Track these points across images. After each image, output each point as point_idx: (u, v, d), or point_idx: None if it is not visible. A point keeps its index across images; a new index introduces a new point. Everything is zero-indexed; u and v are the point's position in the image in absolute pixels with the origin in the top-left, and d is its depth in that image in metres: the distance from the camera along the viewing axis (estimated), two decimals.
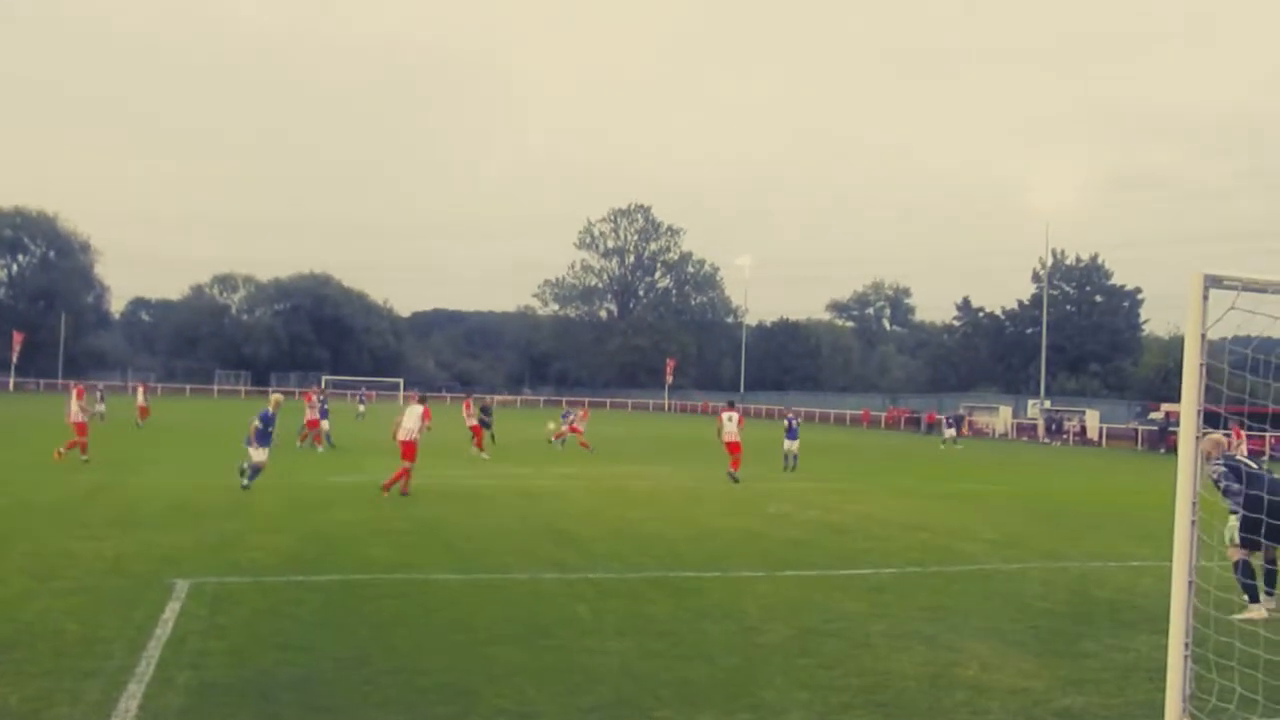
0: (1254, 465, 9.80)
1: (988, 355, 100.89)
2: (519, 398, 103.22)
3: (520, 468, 25.10)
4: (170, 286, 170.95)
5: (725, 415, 23.30)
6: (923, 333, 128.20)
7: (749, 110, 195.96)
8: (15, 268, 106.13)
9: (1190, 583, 6.32)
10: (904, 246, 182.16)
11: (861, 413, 79.84)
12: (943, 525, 16.54)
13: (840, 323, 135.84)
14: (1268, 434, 34.96)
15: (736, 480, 21.99)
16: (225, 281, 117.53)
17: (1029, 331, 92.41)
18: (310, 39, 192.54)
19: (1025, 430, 66.99)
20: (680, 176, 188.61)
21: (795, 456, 27.37)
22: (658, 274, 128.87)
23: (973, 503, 21.14)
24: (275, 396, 19.30)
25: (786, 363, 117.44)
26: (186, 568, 10.13)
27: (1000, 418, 69.87)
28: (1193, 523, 6.31)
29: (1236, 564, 9.52)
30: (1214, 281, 6.30)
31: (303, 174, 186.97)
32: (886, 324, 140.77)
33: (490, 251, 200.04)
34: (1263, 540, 9.02)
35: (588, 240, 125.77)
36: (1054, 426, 63.38)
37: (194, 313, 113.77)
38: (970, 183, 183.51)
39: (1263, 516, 8.33)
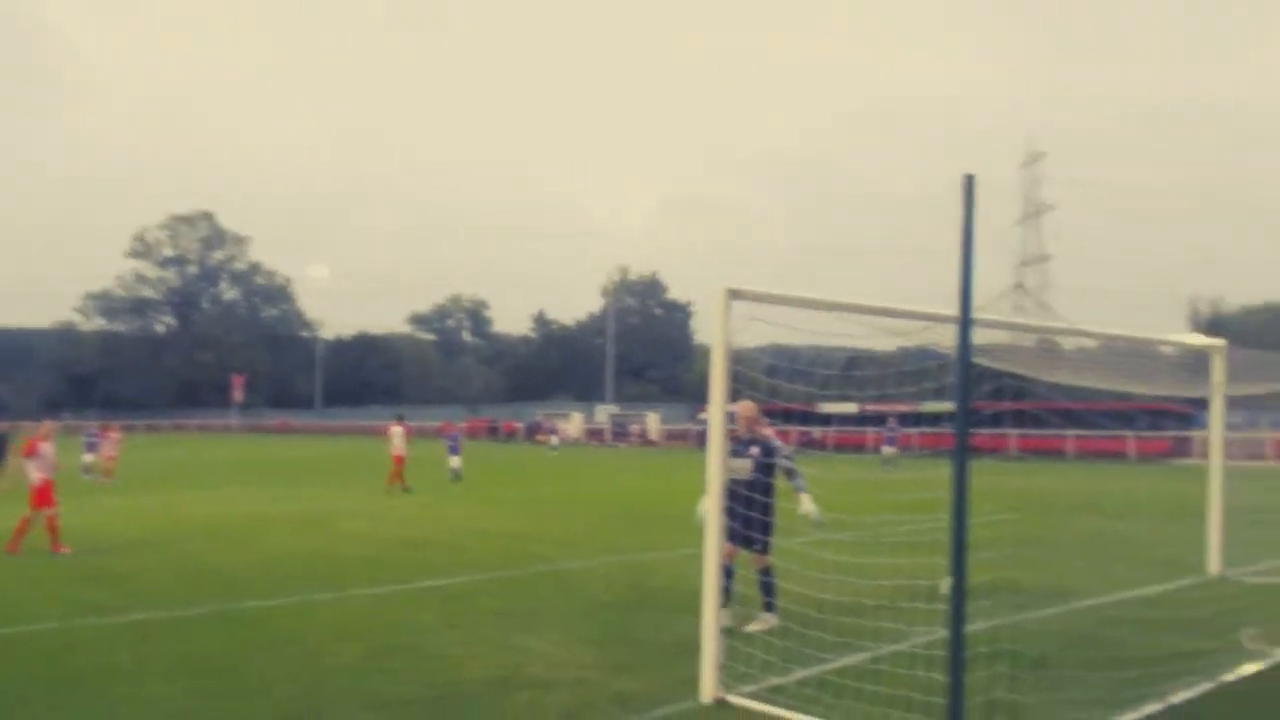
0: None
1: (561, 364, 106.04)
2: (60, 423, 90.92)
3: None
4: None
5: (394, 429, 25.64)
6: (501, 344, 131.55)
7: (327, 120, 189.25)
8: None
9: (724, 562, 7.04)
10: (482, 262, 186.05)
11: (440, 424, 79.81)
12: (516, 530, 17.05)
13: (420, 335, 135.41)
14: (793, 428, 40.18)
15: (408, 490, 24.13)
16: None
17: (598, 341, 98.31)
18: None
19: (595, 435, 71.15)
20: (248, 184, 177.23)
21: (458, 471, 29.03)
22: (223, 285, 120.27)
23: (545, 506, 22.01)
24: None
25: (366, 376, 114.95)
26: None
27: (573, 424, 73.60)
28: (720, 510, 7.04)
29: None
30: (736, 294, 7.10)
31: None
32: (466, 336, 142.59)
33: (21, 262, 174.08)
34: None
35: (141, 249, 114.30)
36: (621, 430, 68.00)
37: None
38: (546, 203, 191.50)
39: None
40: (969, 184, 4.56)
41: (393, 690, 7.10)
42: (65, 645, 8.61)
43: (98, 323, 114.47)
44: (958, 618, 4.65)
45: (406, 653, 8.23)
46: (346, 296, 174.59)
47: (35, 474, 14.32)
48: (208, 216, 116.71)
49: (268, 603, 10.43)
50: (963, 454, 4.68)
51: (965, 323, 4.70)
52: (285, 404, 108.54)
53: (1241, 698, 7.04)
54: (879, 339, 8.09)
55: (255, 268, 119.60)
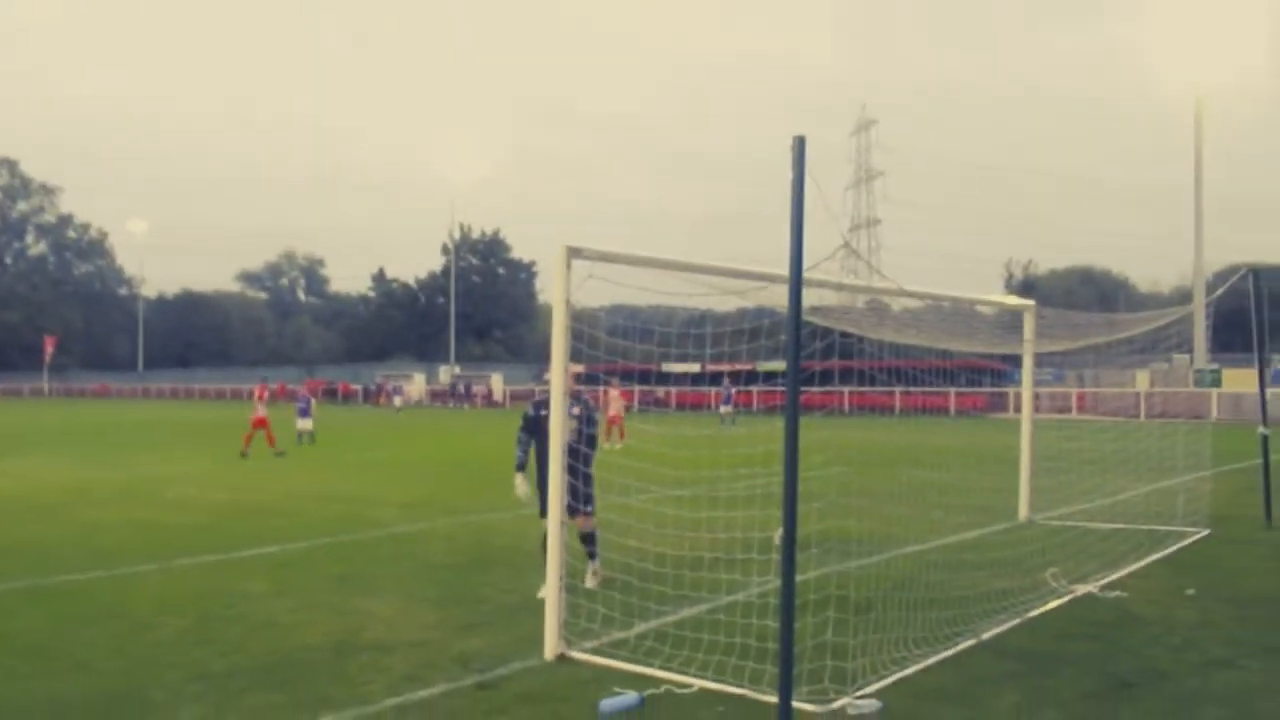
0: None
1: (402, 324, 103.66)
2: None
3: None
4: None
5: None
6: (338, 303, 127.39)
7: (149, 66, 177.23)
8: None
9: (562, 524, 7.10)
10: (317, 217, 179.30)
11: (277, 386, 76.92)
12: (356, 494, 16.68)
13: (251, 294, 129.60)
14: (636, 388, 40.58)
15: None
16: None
17: (440, 301, 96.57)
18: None
19: (439, 396, 70.13)
20: (58, 130, 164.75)
21: (310, 433, 28.81)
22: (30, 238, 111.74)
23: (386, 469, 21.60)
24: None
25: (190, 337, 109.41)
26: None
27: (415, 385, 72.29)
28: (562, 469, 7.07)
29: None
30: (575, 253, 7.08)
31: None
32: (301, 295, 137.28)
33: None
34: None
35: None
36: (464, 391, 67.24)
37: None
38: (385, 158, 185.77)
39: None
40: (799, 146, 4.68)
41: (221, 661, 6.85)
42: None
43: None
44: (789, 567, 4.83)
45: (236, 622, 7.96)
46: (169, 252, 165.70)
47: None
48: (9, 164, 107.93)
49: (85, 576, 9.86)
50: (794, 410, 4.84)
51: (796, 282, 4.84)
52: (102, 366, 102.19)
53: (1043, 630, 7.62)
54: (719, 299, 8.25)
55: (66, 220, 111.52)
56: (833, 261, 5.77)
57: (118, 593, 9.15)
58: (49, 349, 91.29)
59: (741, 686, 6.02)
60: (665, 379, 52.38)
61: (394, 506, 15.04)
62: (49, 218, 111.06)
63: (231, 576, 9.80)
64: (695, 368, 48.00)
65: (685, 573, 8.12)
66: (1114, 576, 9.47)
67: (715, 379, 41.93)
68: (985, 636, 7.30)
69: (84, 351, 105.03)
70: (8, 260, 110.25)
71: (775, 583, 5.44)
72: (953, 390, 51.18)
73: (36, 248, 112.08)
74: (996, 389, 50.80)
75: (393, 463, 23.34)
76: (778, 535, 5.11)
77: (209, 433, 35.02)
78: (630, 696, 5.72)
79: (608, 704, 5.65)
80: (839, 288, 7.01)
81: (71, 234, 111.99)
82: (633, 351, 8.60)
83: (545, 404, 7.95)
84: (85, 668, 6.78)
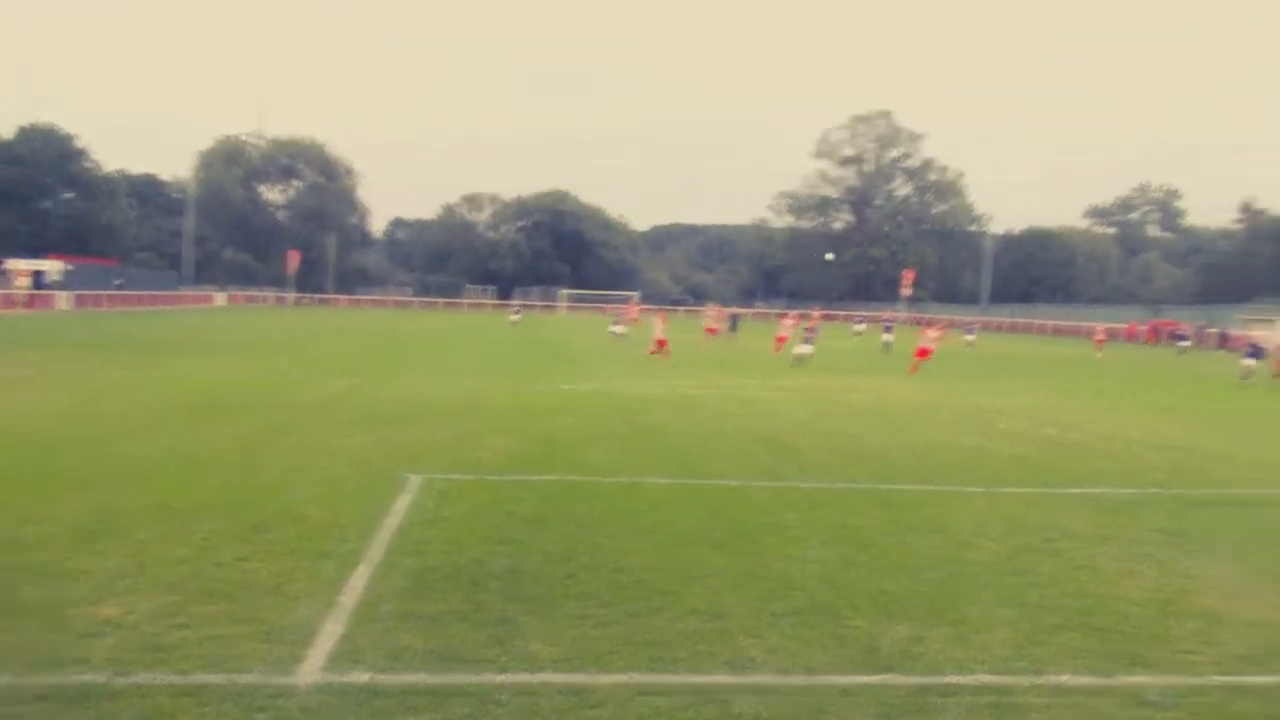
0: None
1: (1269, 263, 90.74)
2: (750, 310, 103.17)
3: (745, 379, 25.18)
4: (423, 207, 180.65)
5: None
6: (1194, 238, 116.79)
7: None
8: (291, 192, 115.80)
9: None
10: (1171, 146, 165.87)
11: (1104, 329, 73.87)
12: (1198, 447, 15.22)
13: (1099, 229, 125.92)
14: None
15: None
16: (473, 201, 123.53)
17: None
18: None
19: None
20: (923, 82, 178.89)
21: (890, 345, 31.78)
22: (896, 182, 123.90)
23: (1241, 424, 19.30)
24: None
25: (1035, 273, 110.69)
26: (420, 464, 10.90)
27: (1278, 332, 62.97)
28: None
29: None
30: None
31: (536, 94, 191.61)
32: (1153, 230, 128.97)
33: (728, 165, 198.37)
34: None
35: (825, 149, 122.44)
36: None
37: (445, 231, 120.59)
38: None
39: None
40: None
41: (1036, 593, 6.88)
42: (740, 501, 9.79)
43: (787, 220, 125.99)
44: None
45: (1053, 559, 7.90)
46: (1017, 190, 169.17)
47: None
48: (885, 115, 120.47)
49: (918, 488, 10.73)
50: None
51: None
52: (950, 299, 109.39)
53: None
54: None
55: (927, 164, 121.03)
56: None
57: (943, 508, 9.75)
58: (906, 283, 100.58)
59: None
60: None
61: (1241, 465, 13.39)
62: (913, 162, 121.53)
63: (1052, 512, 9.74)
64: None
65: None
66: None
67: None
68: None
69: (935, 285, 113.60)
70: (878, 202, 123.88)
71: None
72: None
73: (901, 190, 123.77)
74: None
75: (1249, 416, 20.74)
76: None
77: (1045, 369, 35.27)
78: None
79: None
80: None
81: (932, 176, 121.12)
82: None
83: None
84: (910, 571, 7.39)
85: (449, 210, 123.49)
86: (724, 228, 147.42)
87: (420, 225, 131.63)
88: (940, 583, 7.11)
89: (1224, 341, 61.82)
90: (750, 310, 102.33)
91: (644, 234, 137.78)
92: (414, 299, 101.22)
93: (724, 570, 7.19)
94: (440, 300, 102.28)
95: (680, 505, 9.46)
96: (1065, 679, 5.29)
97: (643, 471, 11.15)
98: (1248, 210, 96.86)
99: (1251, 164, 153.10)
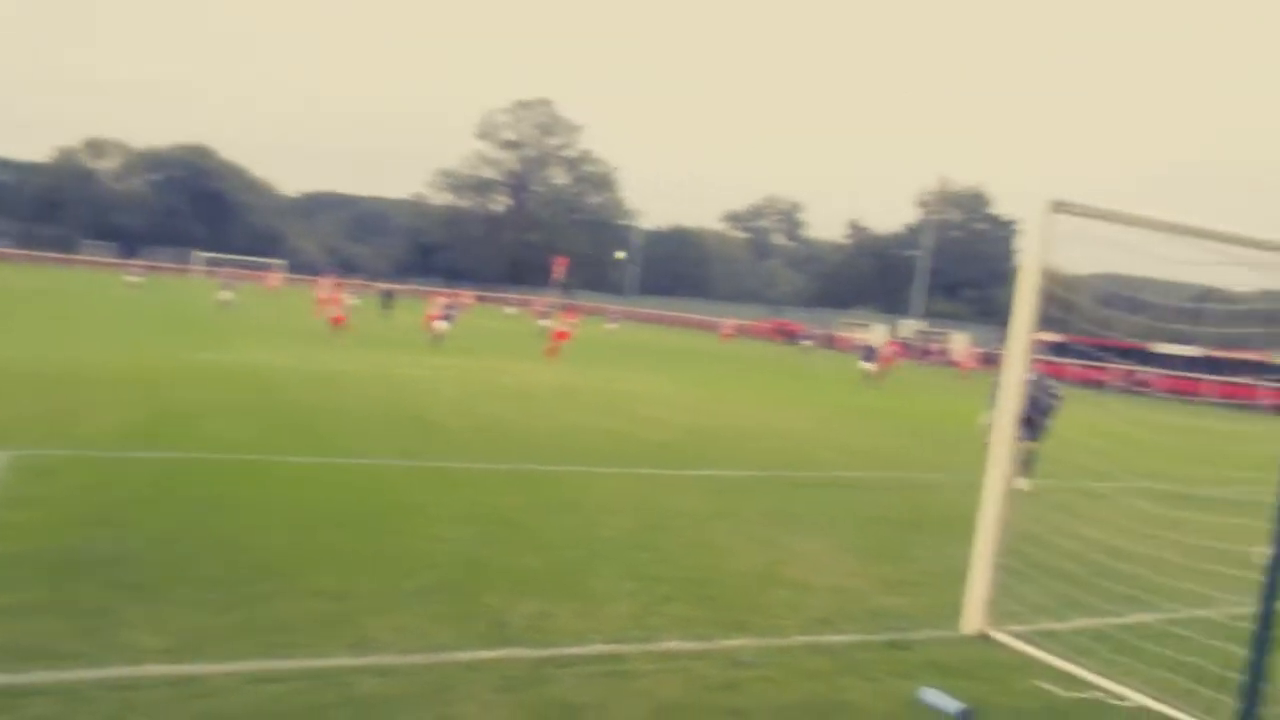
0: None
1: (871, 274, 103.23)
2: (406, 287, 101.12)
3: (396, 356, 24.68)
4: (32, 148, 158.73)
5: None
6: (812, 248, 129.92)
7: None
8: None
9: (1003, 494, 6.60)
10: (797, 165, 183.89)
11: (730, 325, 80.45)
12: (805, 434, 17.00)
13: (733, 234, 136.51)
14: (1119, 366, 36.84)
15: None
16: (95, 147, 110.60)
17: (910, 254, 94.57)
18: None
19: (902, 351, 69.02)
20: (582, 75, 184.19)
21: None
22: (554, 170, 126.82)
23: (841, 415, 21.76)
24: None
25: (678, 269, 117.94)
26: (10, 439, 9.63)
27: (874, 336, 71.83)
28: (1013, 440, 6.57)
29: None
30: (1060, 207, 6.44)
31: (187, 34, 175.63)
32: (779, 238, 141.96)
33: (386, 138, 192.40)
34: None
35: (487, 130, 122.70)
36: (925, 348, 65.64)
37: (59, 177, 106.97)
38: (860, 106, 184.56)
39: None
40: None
41: (655, 567, 7.35)
42: (379, 480, 9.61)
43: (445, 197, 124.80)
44: (1269, 591, 4.06)
45: (673, 535, 8.49)
46: (665, 190, 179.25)
47: None
48: (546, 104, 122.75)
49: (560, 469, 11.09)
50: None
51: None
52: (599, 288, 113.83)
53: None
54: (1236, 275, 7.06)
55: (585, 155, 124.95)
56: None
57: (581, 489, 10.15)
58: (560, 269, 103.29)
59: (1192, 715, 5.25)
60: (1151, 359, 46.97)
61: (839, 451, 15.13)
62: (571, 152, 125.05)
63: (678, 493, 10.43)
64: (1192, 351, 42.53)
65: (1142, 572, 7.21)
66: None
67: (1223, 366, 36.72)
68: None
69: (588, 275, 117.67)
70: (536, 188, 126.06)
71: (1251, 606, 4.61)
72: None
73: (559, 178, 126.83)
74: None
75: (847, 409, 23.46)
76: (1259, 551, 4.31)
77: (683, 359, 37.74)
78: (952, 704, 5.08)
79: (931, 694, 5.14)
80: None
81: (588, 167, 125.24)
82: (1118, 324, 7.71)
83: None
84: (546, 548, 7.63)
85: (65, 154, 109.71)
86: (380, 200, 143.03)
87: (28, 168, 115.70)
88: (572, 559, 7.39)
89: (831, 342, 69.50)
90: (402, 286, 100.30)
91: (293, 200, 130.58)
92: (14, 251, 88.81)
93: (354, 551, 7.02)
94: (50, 255, 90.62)
95: (313, 484, 9.11)
96: (673, 645, 5.70)
97: (275, 449, 10.61)
98: (855, 227, 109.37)
99: (861, 186, 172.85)
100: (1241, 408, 28.37)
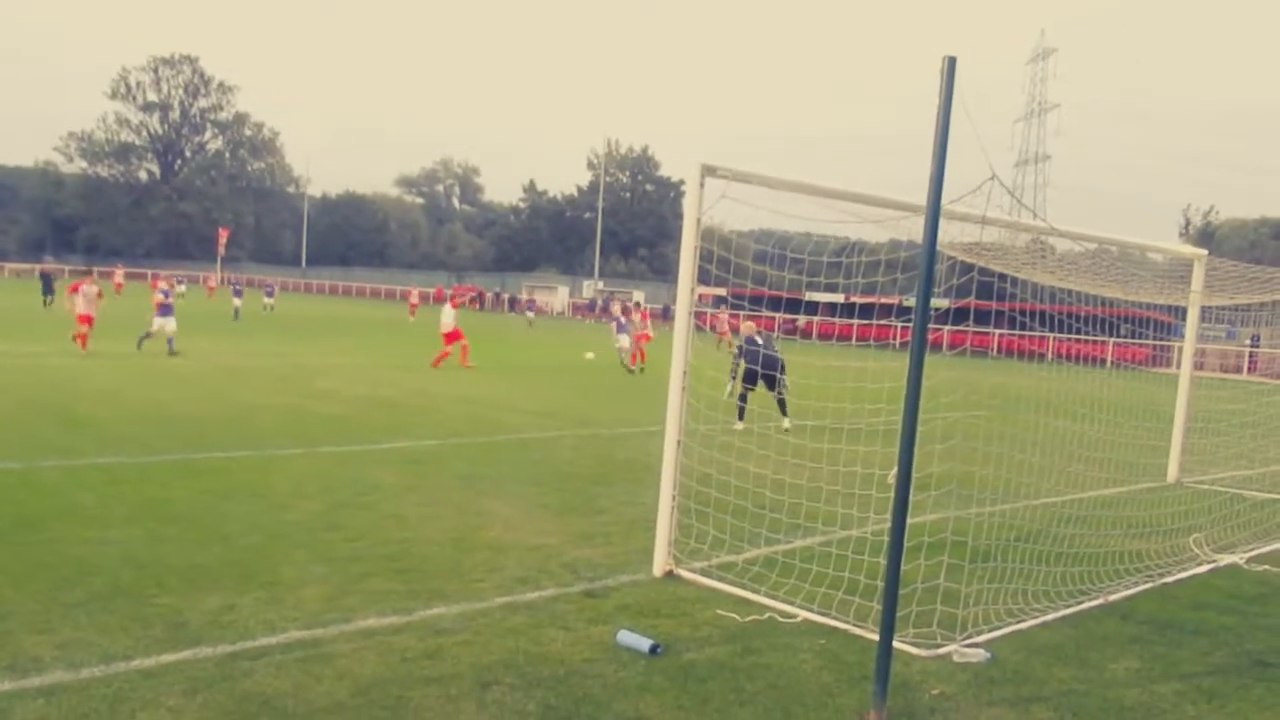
0: (758, 340, 14.59)
1: (549, 237, 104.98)
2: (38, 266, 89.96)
3: (37, 345, 22.03)
4: None
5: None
6: (491, 212, 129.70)
7: None
8: None
9: (678, 442, 7.06)
10: (471, 127, 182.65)
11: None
12: (491, 398, 17.13)
13: (409, 199, 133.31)
14: (779, 316, 40.16)
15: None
16: None
17: (587, 216, 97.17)
18: None
19: (580, 310, 71.03)
20: (235, 31, 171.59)
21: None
22: (208, 134, 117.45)
23: (521, 377, 22.08)
24: None
25: (353, 237, 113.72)
26: None
27: (558, 297, 73.42)
28: (683, 390, 7.01)
29: (740, 395, 14.37)
30: (710, 171, 6.90)
31: None
32: (456, 203, 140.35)
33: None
34: (760, 384, 14.66)
35: (123, 90, 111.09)
36: (604, 306, 67.85)
37: None
38: (531, 67, 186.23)
39: (757, 369, 14.38)
40: (949, 67, 4.37)
41: (347, 547, 7.19)
42: (26, 485, 8.66)
43: (79, 165, 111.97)
44: (901, 506, 4.67)
45: (365, 511, 8.33)
46: (334, 154, 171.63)
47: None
48: (191, 60, 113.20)
49: (233, 454, 10.49)
50: (920, 346, 4.62)
51: (934, 213, 4.57)
52: (268, 260, 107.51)
53: (1177, 598, 7.20)
54: (873, 230, 7.91)
55: (242, 118, 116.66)
56: (979, 195, 5.41)
57: (260, 473, 9.68)
58: (222, 240, 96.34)
59: (847, 622, 5.94)
60: (813, 308, 51.54)
61: (525, 413, 15.39)
62: (226, 115, 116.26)
63: (365, 467, 10.23)
64: (838, 298, 47.08)
65: (803, 502, 8.00)
66: (1264, 549, 8.86)
67: (866, 311, 40.88)
68: (1112, 598, 6.96)
69: (253, 246, 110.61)
70: (188, 153, 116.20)
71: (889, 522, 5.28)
72: (1111, 340, 48.54)
73: (214, 143, 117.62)
74: (1161, 342, 47.90)
75: (527, 370, 23.84)
76: (892, 474, 4.94)
77: (364, 330, 36.55)
78: (645, 642, 5.43)
79: (626, 636, 5.57)
80: (982, 222, 6.60)
81: (248, 131, 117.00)
82: (774, 277, 8.38)
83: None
84: (225, 539, 7.22)
85: None
86: (2, 169, 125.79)
87: None
88: (255, 548, 7.05)
89: (514, 305, 70.06)
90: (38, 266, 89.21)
91: None
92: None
93: (4, 567, 6.28)
94: None
95: None
96: (371, 622, 5.63)
97: None
98: (531, 190, 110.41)
99: (536, 149, 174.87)
100: (882, 347, 31.96)
